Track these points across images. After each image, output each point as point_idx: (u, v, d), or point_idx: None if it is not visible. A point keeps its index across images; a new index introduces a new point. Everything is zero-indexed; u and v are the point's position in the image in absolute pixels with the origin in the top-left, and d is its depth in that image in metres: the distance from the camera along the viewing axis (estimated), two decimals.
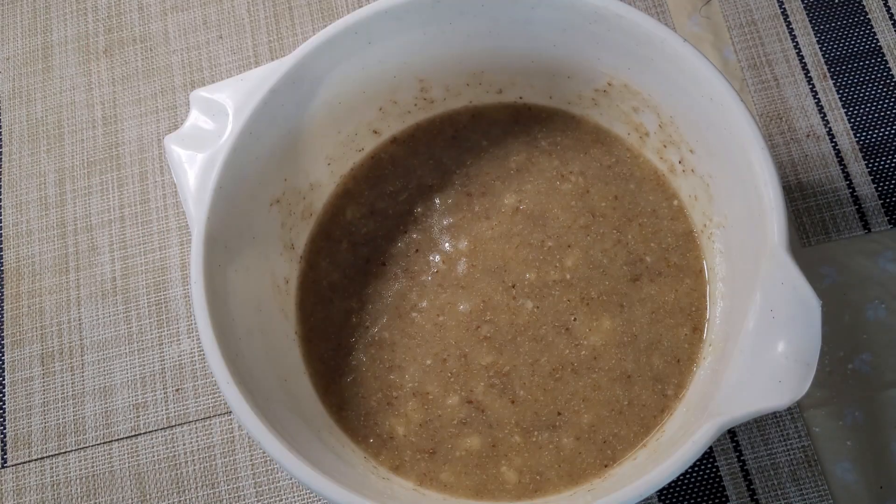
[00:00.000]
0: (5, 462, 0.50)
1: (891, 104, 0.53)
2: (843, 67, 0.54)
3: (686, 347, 0.44)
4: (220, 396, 0.50)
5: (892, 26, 0.55)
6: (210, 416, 0.50)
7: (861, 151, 0.52)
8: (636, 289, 0.46)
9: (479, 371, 0.44)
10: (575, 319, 0.45)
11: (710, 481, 0.46)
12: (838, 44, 0.55)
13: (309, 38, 0.44)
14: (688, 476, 0.46)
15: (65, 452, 0.50)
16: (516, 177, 0.49)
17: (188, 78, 0.59)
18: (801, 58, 0.55)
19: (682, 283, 0.46)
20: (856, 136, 0.53)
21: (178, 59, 0.60)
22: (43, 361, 0.52)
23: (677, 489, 0.46)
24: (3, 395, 0.52)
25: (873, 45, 0.55)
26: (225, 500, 0.48)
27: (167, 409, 0.50)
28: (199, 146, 0.42)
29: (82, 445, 0.50)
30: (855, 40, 0.55)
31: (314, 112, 0.46)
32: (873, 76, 0.54)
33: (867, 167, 0.52)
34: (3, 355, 0.53)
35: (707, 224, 0.46)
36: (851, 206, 0.51)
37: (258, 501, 0.48)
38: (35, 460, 0.50)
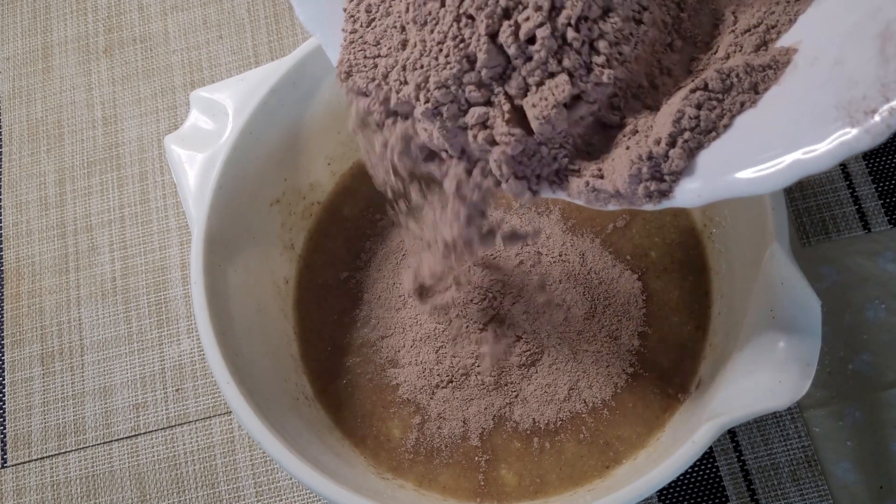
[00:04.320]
0: (5, 462, 0.50)
1: None
2: None
3: (690, 346, 0.44)
4: (220, 396, 0.50)
5: None
6: (210, 416, 0.50)
7: None
8: (643, 285, 0.46)
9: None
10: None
11: (710, 481, 0.46)
12: None
13: (309, 38, 0.44)
14: (688, 476, 0.46)
15: (65, 452, 0.50)
16: None
17: (188, 78, 0.59)
18: None
19: (686, 280, 0.46)
20: None
21: (178, 59, 0.60)
22: (43, 361, 0.52)
23: (677, 489, 0.46)
24: (3, 395, 0.52)
25: None
26: (225, 500, 0.48)
27: (167, 409, 0.50)
28: (199, 146, 0.42)
29: (82, 445, 0.50)
30: None
31: (314, 112, 0.46)
32: None
33: (867, 167, 0.52)
34: (3, 355, 0.53)
35: (707, 223, 0.46)
36: (851, 205, 0.51)
37: (258, 501, 0.48)
38: (35, 460, 0.50)
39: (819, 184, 0.51)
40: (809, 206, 0.51)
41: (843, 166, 0.52)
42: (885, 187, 0.51)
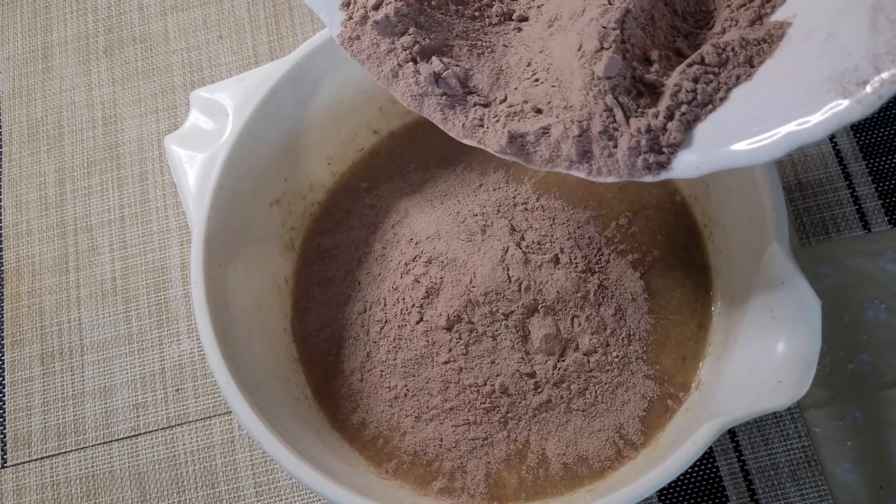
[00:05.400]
0: (5, 462, 0.50)
1: (891, 104, 0.53)
2: None
3: (691, 345, 0.44)
4: (220, 396, 0.50)
5: None
6: (210, 416, 0.50)
7: (861, 151, 0.52)
8: (645, 283, 0.46)
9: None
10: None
11: (710, 481, 0.46)
12: None
13: (309, 38, 0.44)
14: (688, 476, 0.46)
15: (65, 452, 0.50)
16: (516, 165, 0.48)
17: (188, 78, 0.59)
18: None
19: (689, 279, 0.45)
20: (856, 136, 0.53)
21: (178, 59, 0.60)
22: (43, 361, 0.52)
23: (677, 489, 0.46)
24: (3, 395, 0.52)
25: None
26: (225, 500, 0.48)
27: (167, 409, 0.50)
28: (199, 146, 0.42)
29: (82, 445, 0.50)
30: None
31: (314, 112, 0.46)
32: None
33: (867, 167, 0.52)
34: (3, 355, 0.53)
35: (707, 223, 0.46)
36: (851, 206, 0.51)
37: (258, 501, 0.48)
38: (35, 460, 0.50)
39: (819, 184, 0.51)
40: (809, 206, 0.51)
41: (844, 166, 0.52)
42: (885, 187, 0.51)
